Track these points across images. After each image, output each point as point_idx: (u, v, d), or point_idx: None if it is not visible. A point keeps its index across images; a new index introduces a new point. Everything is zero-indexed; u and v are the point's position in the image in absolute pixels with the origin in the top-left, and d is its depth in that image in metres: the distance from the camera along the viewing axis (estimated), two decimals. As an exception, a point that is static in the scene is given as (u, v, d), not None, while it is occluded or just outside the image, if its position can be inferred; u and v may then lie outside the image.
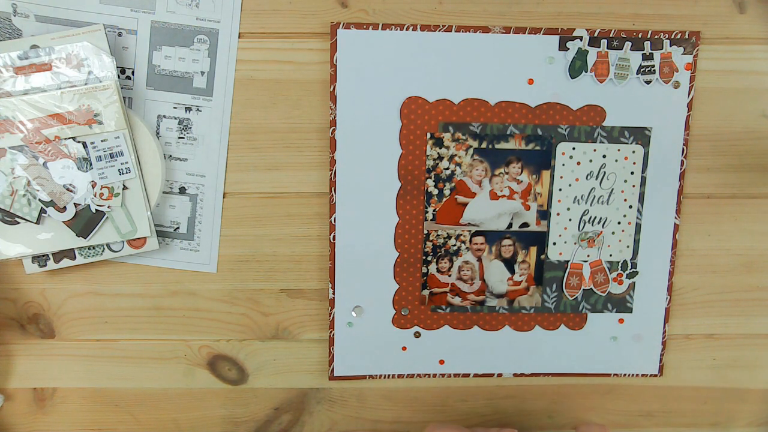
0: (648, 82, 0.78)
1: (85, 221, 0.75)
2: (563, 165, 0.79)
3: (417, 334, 0.83)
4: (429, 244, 0.80)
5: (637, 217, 0.81)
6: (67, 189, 0.75)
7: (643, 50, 0.77)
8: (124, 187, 0.75)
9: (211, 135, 0.77)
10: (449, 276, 0.81)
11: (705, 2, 0.77)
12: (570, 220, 0.81)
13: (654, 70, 0.78)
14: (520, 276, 0.82)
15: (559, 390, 0.87)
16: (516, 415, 0.87)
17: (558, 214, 0.81)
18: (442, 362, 0.84)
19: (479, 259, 0.81)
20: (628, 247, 0.82)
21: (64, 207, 0.75)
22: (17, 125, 0.72)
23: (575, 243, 0.81)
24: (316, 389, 0.85)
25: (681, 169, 0.80)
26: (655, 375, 0.86)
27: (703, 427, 0.89)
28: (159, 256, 0.79)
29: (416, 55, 0.76)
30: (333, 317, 0.82)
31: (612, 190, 0.80)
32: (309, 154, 0.79)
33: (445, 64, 0.76)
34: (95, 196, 0.75)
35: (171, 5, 0.74)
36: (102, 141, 0.74)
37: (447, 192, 0.79)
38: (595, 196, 0.80)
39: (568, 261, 0.82)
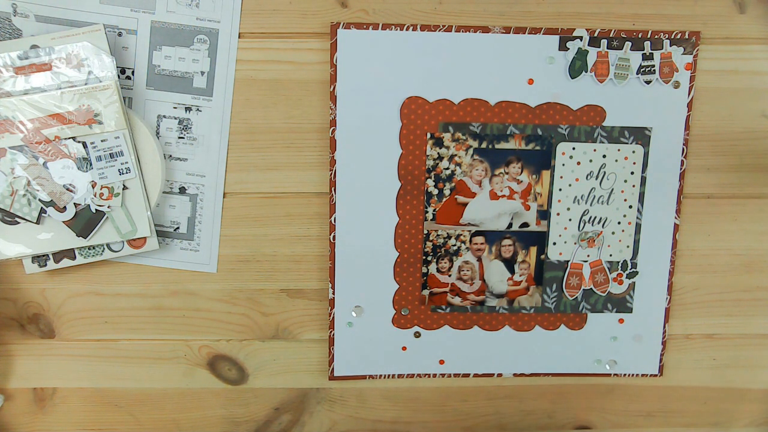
0: (648, 82, 0.78)
1: (85, 221, 0.75)
2: (563, 165, 0.79)
3: (417, 334, 0.83)
4: (429, 244, 0.80)
5: (637, 217, 0.81)
6: (67, 189, 0.75)
7: (643, 50, 0.77)
8: (124, 187, 0.75)
9: (211, 135, 0.77)
10: (449, 276, 0.81)
11: (705, 2, 0.77)
12: (570, 220, 0.81)
13: (654, 70, 0.78)
14: (520, 276, 0.82)
15: (559, 390, 0.87)
16: (516, 415, 0.87)
17: (558, 214, 0.81)
18: (442, 362, 0.84)
19: (479, 259, 0.81)
20: (628, 247, 0.82)
21: (64, 207, 0.75)
22: (17, 125, 0.72)
23: (575, 243, 0.81)
24: (316, 389, 0.85)
25: (681, 169, 0.80)
26: (655, 375, 0.86)
27: (703, 427, 0.89)
28: (159, 256, 0.79)
29: (416, 55, 0.76)
30: (333, 317, 0.82)
31: (612, 190, 0.80)
32: (309, 154, 0.79)
33: (445, 64, 0.76)
34: (95, 196, 0.75)
35: (171, 5, 0.74)
36: (102, 141, 0.74)
37: (447, 192, 0.79)
38: (595, 196, 0.80)
39: (568, 261, 0.82)
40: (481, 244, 0.81)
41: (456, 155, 0.78)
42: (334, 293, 0.81)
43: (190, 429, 0.86)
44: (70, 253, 0.77)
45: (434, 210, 0.80)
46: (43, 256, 0.77)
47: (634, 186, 0.80)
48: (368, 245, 0.80)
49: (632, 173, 0.80)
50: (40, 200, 0.74)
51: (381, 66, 0.76)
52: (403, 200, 0.79)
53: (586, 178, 0.80)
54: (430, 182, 0.79)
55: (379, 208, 0.79)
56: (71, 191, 0.75)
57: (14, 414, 0.84)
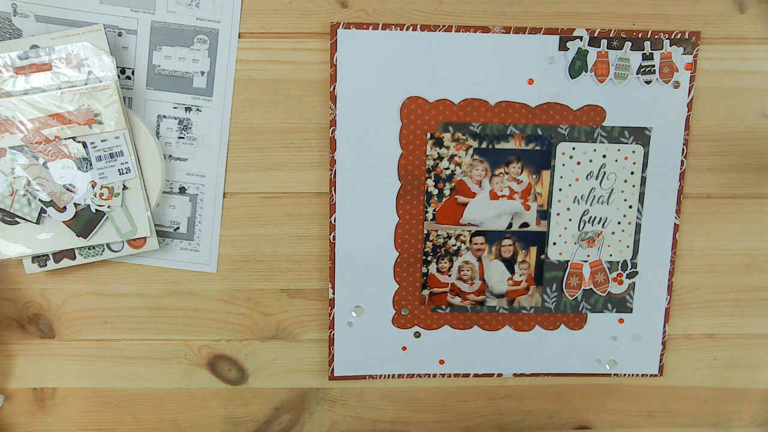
0: (648, 82, 0.78)
1: (85, 221, 0.75)
2: (563, 165, 0.79)
3: (417, 334, 0.83)
4: (429, 244, 0.80)
5: (637, 217, 0.81)
6: (67, 189, 0.75)
7: (643, 50, 0.77)
8: (124, 187, 0.75)
9: (211, 135, 0.77)
10: (449, 276, 0.81)
11: (705, 2, 0.77)
12: (570, 220, 0.81)
13: (654, 70, 0.78)
14: (520, 276, 0.82)
15: (559, 390, 0.87)
16: (516, 415, 0.87)
17: (558, 214, 0.81)
18: (442, 362, 0.84)
19: (479, 259, 0.81)
20: (628, 247, 0.82)
21: (64, 207, 0.75)
22: (17, 125, 0.72)
23: (575, 243, 0.81)
24: (316, 389, 0.85)
25: (681, 169, 0.80)
26: (655, 375, 0.86)
27: (703, 427, 0.89)
28: (159, 256, 0.79)
29: (416, 55, 0.76)
30: (333, 317, 0.82)
31: (612, 190, 0.80)
32: (309, 154, 0.79)
33: (445, 64, 0.76)
34: (95, 196, 0.75)
35: (171, 5, 0.74)
36: (102, 141, 0.74)
37: (447, 192, 0.79)
38: (595, 196, 0.80)
39: (568, 261, 0.82)
40: (481, 244, 0.81)
41: (456, 155, 0.78)
42: (334, 293, 0.81)
43: (190, 429, 0.86)
44: (70, 253, 0.77)
45: (434, 210, 0.80)
46: (43, 256, 0.77)
47: (634, 186, 0.80)
48: (368, 245, 0.80)
49: (632, 173, 0.80)
50: (40, 200, 0.74)
51: (381, 66, 0.76)
52: (403, 200, 0.79)
53: (586, 178, 0.80)
54: (430, 182, 0.79)
55: (379, 208, 0.79)
56: (71, 191, 0.75)
57: (14, 414, 0.84)
